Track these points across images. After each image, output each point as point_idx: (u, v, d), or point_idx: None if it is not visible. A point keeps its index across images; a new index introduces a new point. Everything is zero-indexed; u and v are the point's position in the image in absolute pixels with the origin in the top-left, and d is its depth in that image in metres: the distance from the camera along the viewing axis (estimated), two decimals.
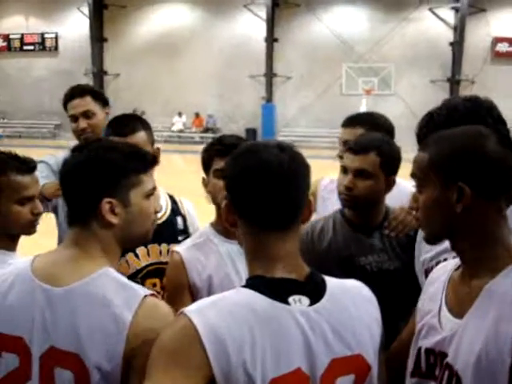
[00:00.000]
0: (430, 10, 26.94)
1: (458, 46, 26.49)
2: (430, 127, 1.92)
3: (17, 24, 32.02)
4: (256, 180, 1.41)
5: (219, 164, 2.20)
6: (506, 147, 1.49)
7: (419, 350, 1.61)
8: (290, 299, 1.39)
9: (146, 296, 1.54)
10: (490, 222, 1.49)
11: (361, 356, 1.46)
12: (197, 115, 29.23)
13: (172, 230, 2.62)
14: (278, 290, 1.39)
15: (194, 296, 2.22)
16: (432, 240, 1.64)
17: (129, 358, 1.48)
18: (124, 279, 1.60)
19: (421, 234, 1.99)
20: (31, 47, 32.25)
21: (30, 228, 2.21)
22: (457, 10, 26.60)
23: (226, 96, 29.46)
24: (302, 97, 28.57)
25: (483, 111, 1.90)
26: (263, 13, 28.32)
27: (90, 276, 1.55)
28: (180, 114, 28.85)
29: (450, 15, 27.06)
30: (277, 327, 1.35)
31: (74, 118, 3.18)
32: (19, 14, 32.01)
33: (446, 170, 1.49)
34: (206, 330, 1.31)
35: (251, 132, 29.13)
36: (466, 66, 26.60)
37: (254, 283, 1.42)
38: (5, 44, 32.51)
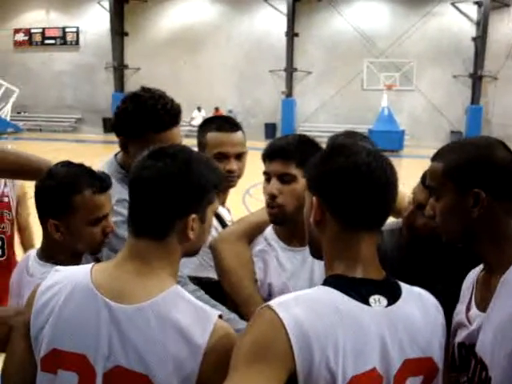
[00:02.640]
0: (453, 4, 26.71)
1: (480, 41, 26.21)
2: None
3: (38, 18, 32.23)
4: (354, 180, 1.45)
5: (265, 167, 2.16)
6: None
7: (453, 346, 1.71)
8: (371, 299, 1.43)
9: (217, 318, 1.50)
10: (502, 223, 1.60)
11: (431, 358, 1.51)
12: (216, 110, 29.20)
13: None
14: (360, 290, 1.44)
15: None
16: (452, 245, 1.76)
17: (202, 382, 1.46)
18: (193, 298, 1.54)
19: None
20: (52, 41, 32.43)
21: (99, 247, 2.08)
22: (480, 4, 26.32)
23: (246, 90, 29.44)
24: (323, 92, 28.46)
25: None
26: (284, 7, 28.23)
27: (160, 295, 1.48)
28: (199, 109, 28.83)
29: (472, 10, 26.79)
30: (358, 327, 1.39)
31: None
32: (40, 8, 32.21)
33: (461, 178, 1.59)
34: (292, 324, 1.34)
35: (270, 127, 29.08)
36: (489, 61, 26.30)
37: (335, 282, 1.45)
38: (26, 38, 32.72)
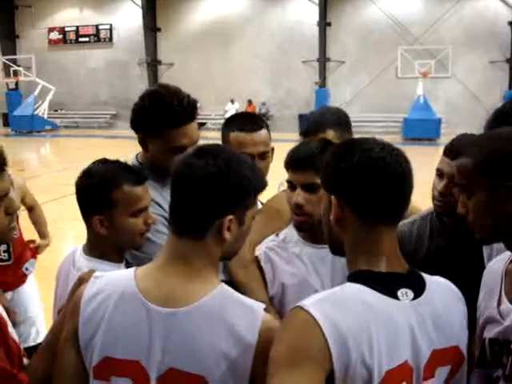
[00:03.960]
0: None
1: None
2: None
3: (72, 17, 32.67)
4: (372, 175, 1.46)
5: (289, 176, 2.17)
6: None
7: (483, 341, 1.67)
8: (399, 293, 1.45)
9: (263, 313, 1.52)
10: None
11: (457, 347, 1.54)
12: (249, 102, 29.21)
13: None
14: (388, 285, 1.46)
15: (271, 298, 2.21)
16: (486, 242, 1.77)
17: (253, 377, 1.47)
18: (238, 295, 1.56)
19: None
20: (86, 39, 32.87)
21: (141, 238, 2.14)
22: None
23: (279, 82, 29.38)
24: (356, 81, 28.24)
25: None
26: None
27: (207, 296, 1.50)
28: (233, 101, 28.88)
29: None
30: (389, 321, 1.41)
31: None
32: (74, 6, 32.64)
33: (493, 172, 1.53)
34: (327, 324, 1.34)
35: (305, 118, 28.93)
36: None
37: (363, 278, 1.47)
38: (61, 37, 33.22)
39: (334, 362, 1.32)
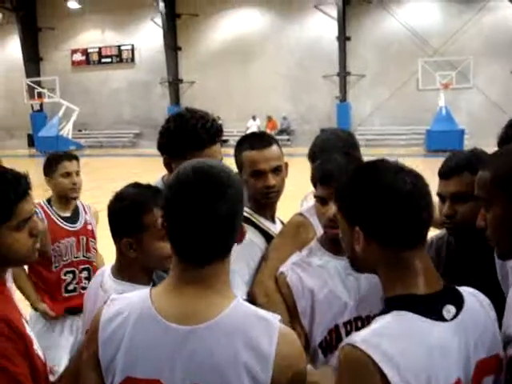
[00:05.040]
0: None
1: None
2: None
3: (94, 38, 33.19)
4: (394, 205, 1.51)
5: (319, 191, 2.23)
6: None
7: (508, 360, 1.63)
8: (444, 312, 1.50)
9: (279, 324, 1.54)
10: None
11: (498, 355, 1.57)
12: (269, 119, 29.28)
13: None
14: (433, 307, 1.50)
15: (300, 314, 2.23)
16: (506, 256, 1.72)
17: None
18: (254, 308, 1.59)
19: None
20: (109, 60, 33.35)
21: (168, 262, 2.17)
22: None
23: (300, 97, 29.44)
24: (377, 94, 28.18)
25: None
26: (334, 12, 28.14)
27: (224, 311, 1.52)
28: (254, 118, 28.97)
29: None
30: (442, 345, 1.45)
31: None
32: (96, 28, 33.14)
33: (511, 186, 1.53)
34: (384, 361, 1.39)
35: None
36: None
37: (407, 304, 1.50)
38: (83, 58, 33.75)
39: None
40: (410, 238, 1.53)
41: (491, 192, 1.57)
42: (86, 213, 4.16)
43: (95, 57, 33.61)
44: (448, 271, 2.29)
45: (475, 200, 1.67)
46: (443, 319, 1.48)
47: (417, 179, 1.56)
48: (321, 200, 2.22)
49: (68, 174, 4.00)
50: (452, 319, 1.50)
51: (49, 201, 4.10)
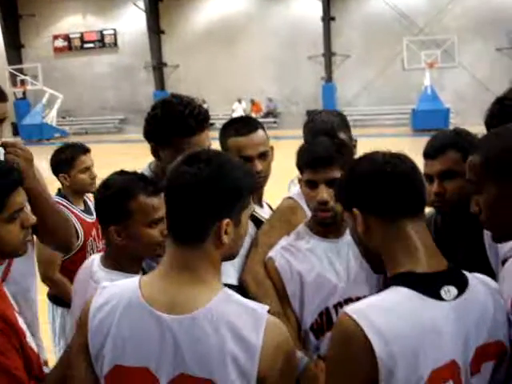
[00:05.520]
0: None
1: None
2: (501, 116, 1.86)
3: (76, 23, 32.84)
4: (382, 176, 1.57)
5: (308, 175, 2.22)
6: None
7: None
8: (442, 292, 1.50)
9: (267, 315, 1.55)
10: None
11: (501, 341, 1.57)
12: (252, 102, 29.23)
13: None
14: (431, 285, 1.51)
15: (290, 297, 2.24)
16: (501, 239, 1.72)
17: (262, 380, 1.50)
18: (242, 298, 1.59)
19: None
20: (91, 45, 33.02)
21: (158, 249, 2.16)
22: None
23: (285, 79, 29.36)
24: (363, 75, 28.15)
25: None
26: None
27: (211, 301, 1.53)
28: (240, 101, 28.89)
29: None
30: (434, 324, 1.47)
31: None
32: (77, 13, 32.80)
33: (503, 168, 1.54)
34: (374, 335, 1.41)
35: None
36: None
37: (406, 280, 1.51)
38: (66, 44, 33.40)
39: (380, 372, 1.41)
40: (402, 205, 1.57)
41: (482, 175, 1.58)
42: (91, 201, 4.05)
43: (77, 42, 33.24)
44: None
45: (461, 176, 1.70)
46: (441, 298, 1.49)
47: (406, 159, 1.62)
48: (310, 184, 2.21)
49: (87, 169, 3.92)
50: (452, 300, 1.50)
51: (63, 196, 3.92)
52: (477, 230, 1.69)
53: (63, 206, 3.70)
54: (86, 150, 4.01)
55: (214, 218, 1.53)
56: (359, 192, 1.61)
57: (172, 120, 2.32)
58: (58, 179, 3.95)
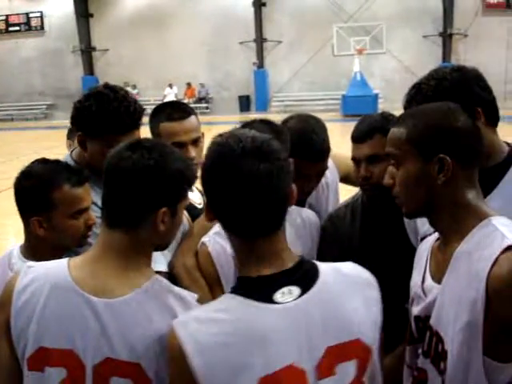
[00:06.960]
0: None
1: None
2: (418, 99, 1.92)
3: (0, 6, 31.56)
4: (235, 195, 1.39)
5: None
6: (471, 119, 1.59)
7: (411, 318, 1.71)
8: (278, 295, 1.38)
9: (196, 303, 1.55)
10: (464, 192, 1.55)
11: (360, 340, 1.43)
12: (188, 85, 29.01)
13: None
14: (265, 289, 1.39)
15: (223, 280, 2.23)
16: (412, 216, 1.71)
17: None
18: (172, 286, 1.59)
19: None
20: (17, 28, 31.89)
21: (83, 239, 2.11)
22: None
23: (217, 64, 29.23)
24: (294, 60, 28.34)
25: (471, 81, 1.90)
26: None
27: (142, 286, 1.52)
28: (171, 86, 28.59)
29: None
30: (259, 332, 1.35)
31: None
32: None
33: (426, 144, 1.53)
34: (188, 344, 1.34)
35: (244, 99, 28.97)
36: (458, 19, 26.38)
37: (240, 286, 1.43)
38: None
39: (199, 379, 1.33)
40: (257, 229, 1.42)
41: (405, 149, 1.56)
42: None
43: (2, 25, 31.99)
44: (363, 230, 2.39)
45: (388, 160, 1.68)
46: (273, 302, 1.37)
47: (271, 162, 1.41)
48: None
49: None
50: (293, 301, 1.38)
51: None
52: (399, 209, 1.73)
53: None
54: None
55: (152, 205, 1.52)
56: (216, 200, 1.45)
57: (106, 116, 2.24)
58: None
